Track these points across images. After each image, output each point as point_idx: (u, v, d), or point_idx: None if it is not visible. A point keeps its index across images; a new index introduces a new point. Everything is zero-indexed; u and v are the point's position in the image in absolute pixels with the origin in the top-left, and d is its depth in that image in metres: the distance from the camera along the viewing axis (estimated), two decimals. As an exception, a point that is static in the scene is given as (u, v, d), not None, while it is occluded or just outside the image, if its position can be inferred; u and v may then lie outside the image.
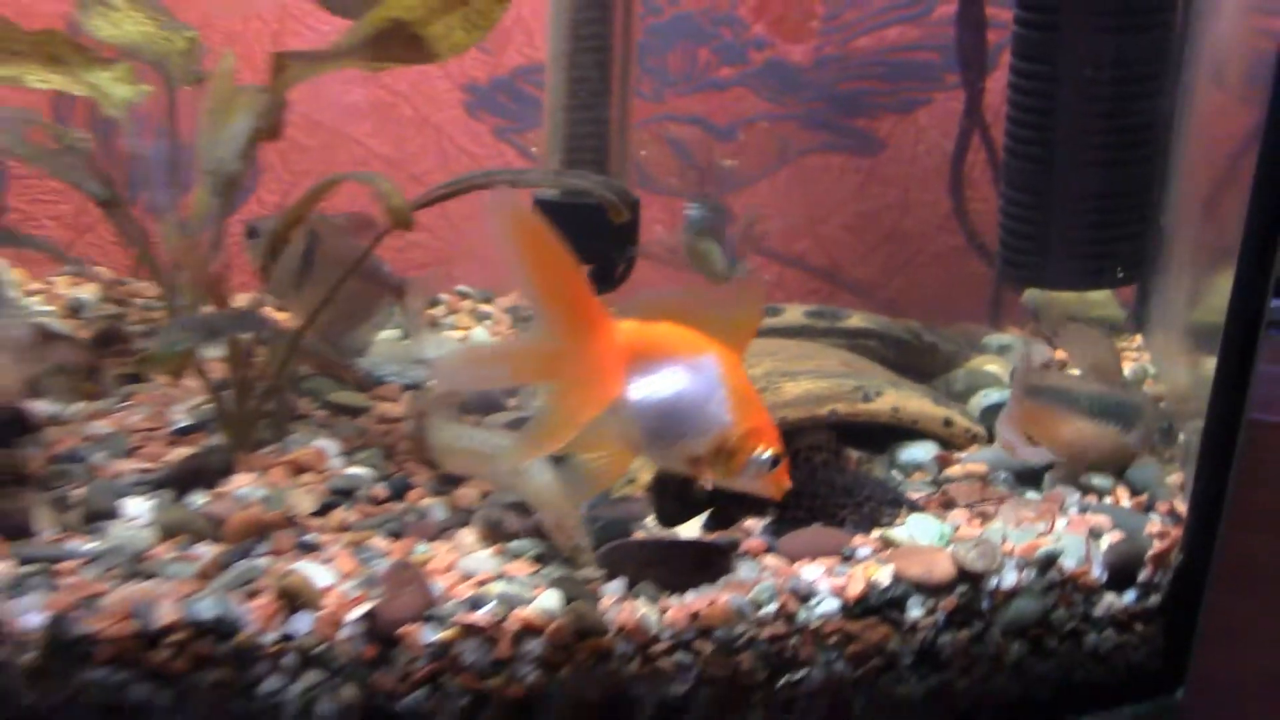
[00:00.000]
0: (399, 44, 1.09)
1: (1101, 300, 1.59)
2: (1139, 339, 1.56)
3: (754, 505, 1.10)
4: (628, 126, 1.54)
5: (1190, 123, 1.38)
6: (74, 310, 1.50)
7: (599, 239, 1.42)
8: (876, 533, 1.10)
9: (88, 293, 1.55)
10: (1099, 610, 1.09)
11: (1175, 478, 1.21)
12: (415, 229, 1.17)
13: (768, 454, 0.92)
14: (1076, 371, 1.32)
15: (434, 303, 1.65)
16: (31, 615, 0.93)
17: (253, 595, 0.96)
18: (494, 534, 1.08)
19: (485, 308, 1.67)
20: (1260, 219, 1.05)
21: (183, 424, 1.23)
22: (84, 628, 0.92)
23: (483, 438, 1.15)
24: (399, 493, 1.15)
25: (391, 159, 1.97)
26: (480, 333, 1.59)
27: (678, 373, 0.91)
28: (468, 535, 1.09)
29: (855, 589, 1.02)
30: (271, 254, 1.19)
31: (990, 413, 1.33)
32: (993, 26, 1.81)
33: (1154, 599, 1.12)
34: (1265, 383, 1.87)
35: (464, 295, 1.70)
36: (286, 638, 0.94)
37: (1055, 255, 1.31)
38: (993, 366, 1.46)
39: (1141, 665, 1.14)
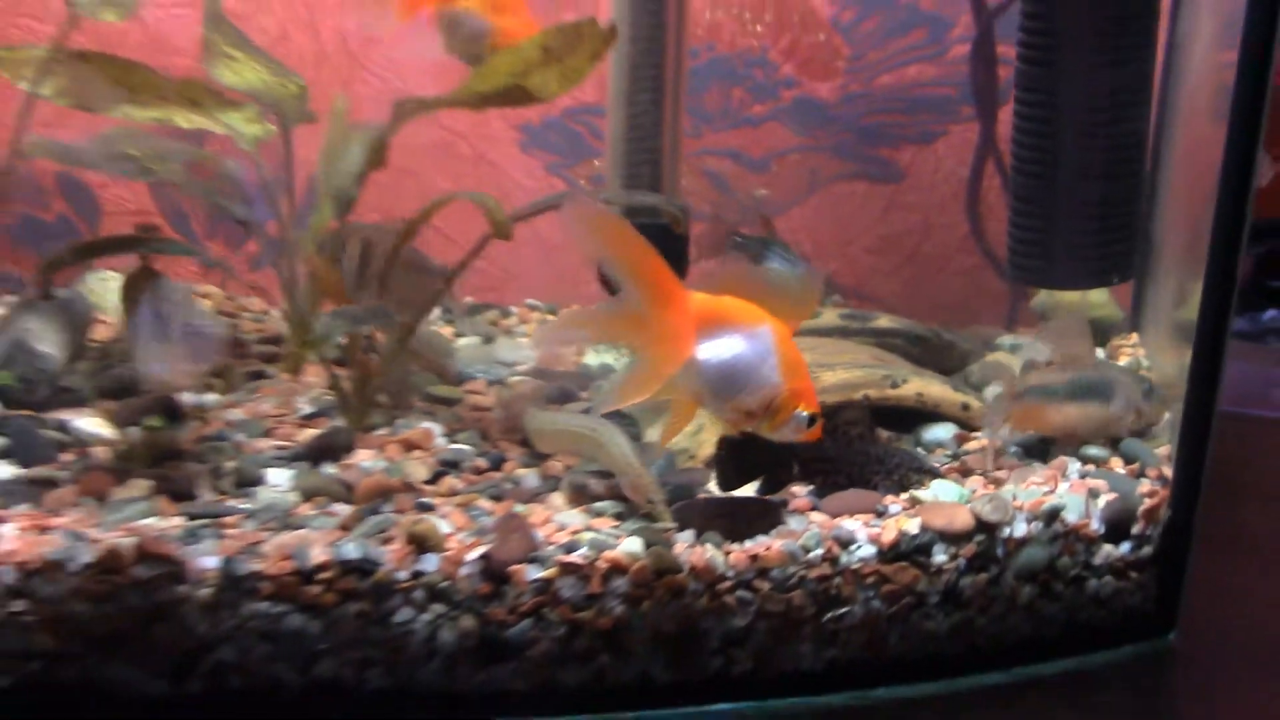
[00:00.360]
0: (504, 94, 1.29)
1: (1101, 302, 1.77)
2: (1135, 337, 1.74)
3: (801, 472, 1.29)
4: (679, 156, 1.74)
5: (1174, 142, 1.56)
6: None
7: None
8: (905, 495, 1.28)
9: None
10: (1098, 559, 1.27)
11: (1163, 449, 1.39)
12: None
13: (807, 413, 1.11)
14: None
15: (506, 314, 1.85)
16: (207, 559, 1.11)
17: (386, 541, 1.15)
18: (579, 497, 1.27)
19: (551, 318, 1.87)
20: (1224, 226, 1.24)
21: (307, 411, 1.43)
22: (250, 567, 1.11)
23: (566, 420, 1.34)
24: (496, 465, 1.34)
25: (451, 192, 2.15)
26: (552, 338, 1.78)
27: (738, 339, 1.10)
28: (557, 498, 1.28)
29: (888, 537, 1.20)
30: (333, 260, 1.38)
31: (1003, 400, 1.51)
32: (1003, 63, 1.99)
33: (1146, 550, 1.29)
34: (1258, 382, 2.06)
35: (533, 308, 1.90)
36: (417, 575, 1.13)
37: (1058, 259, 1.50)
38: (1005, 360, 1.64)
39: (1137, 609, 1.31)
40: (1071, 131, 1.44)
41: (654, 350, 1.09)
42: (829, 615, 1.19)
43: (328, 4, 2.09)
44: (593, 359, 1.66)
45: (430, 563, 1.13)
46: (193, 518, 1.19)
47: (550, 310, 1.90)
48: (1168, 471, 1.33)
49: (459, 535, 1.17)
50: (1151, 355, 1.65)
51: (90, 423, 1.35)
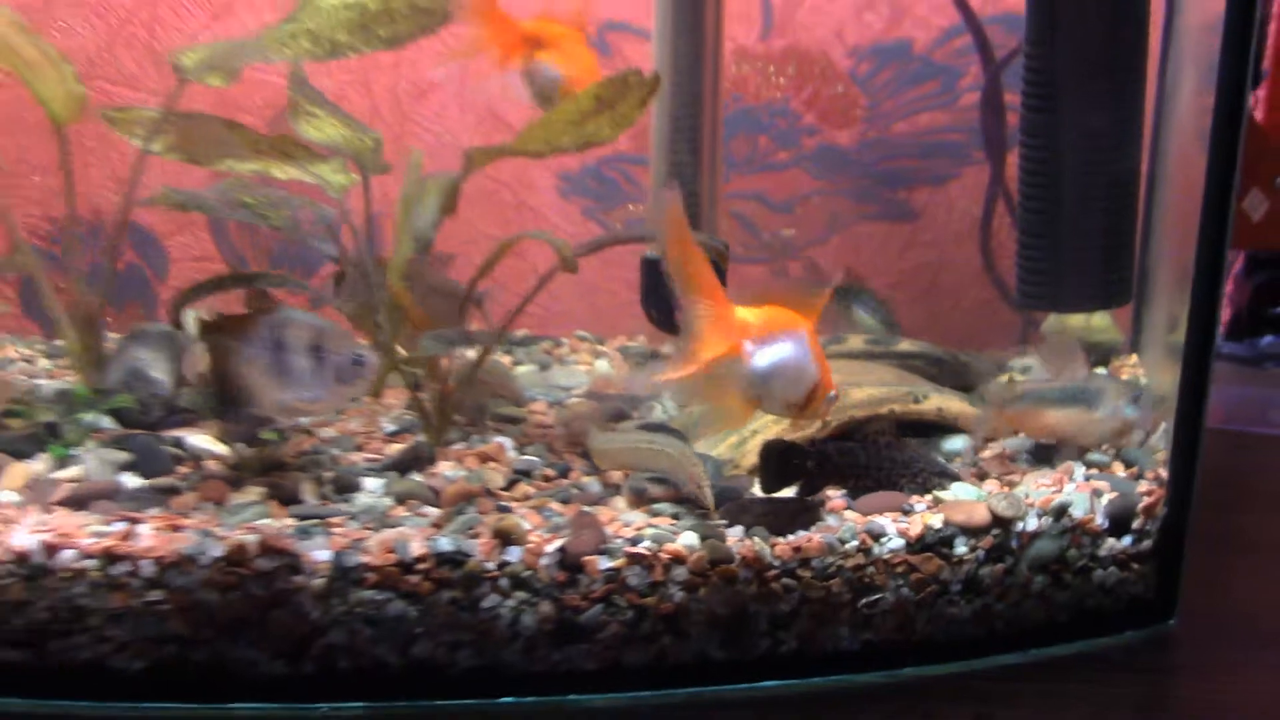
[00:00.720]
0: (561, 141, 1.46)
1: (1103, 326, 1.93)
2: (1135, 357, 1.90)
3: (834, 477, 1.45)
4: (717, 199, 1.90)
5: (1165, 179, 1.73)
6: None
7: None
8: (929, 496, 1.44)
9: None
10: (1103, 551, 1.42)
11: (1160, 455, 1.54)
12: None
13: (832, 393, 1.29)
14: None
15: (558, 344, 2.02)
16: (319, 552, 1.27)
17: (474, 536, 1.30)
18: (639, 500, 1.42)
19: (600, 348, 2.04)
20: (1208, 252, 1.39)
21: (390, 429, 1.59)
22: (358, 559, 1.27)
23: (625, 437, 1.50)
24: (563, 473, 1.50)
25: (496, 236, 2.30)
26: (602, 365, 1.95)
27: (787, 343, 1.27)
28: (619, 502, 1.43)
29: (915, 530, 1.35)
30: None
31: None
32: (1010, 110, 2.14)
33: (1146, 543, 1.44)
34: (1257, 403, 2.21)
35: (582, 339, 2.06)
36: (502, 565, 1.28)
37: (1062, 286, 1.66)
38: (1018, 379, 1.80)
39: (1139, 597, 1.46)
40: (1072, 171, 1.61)
41: (697, 337, 1.26)
42: (863, 601, 1.34)
43: (381, 63, 2.26)
44: (640, 383, 1.82)
45: (514, 554, 1.28)
46: (302, 519, 1.35)
47: (598, 341, 2.06)
48: (1164, 474, 1.48)
49: (536, 531, 1.33)
50: (1150, 373, 1.80)
51: (202, 439, 1.52)
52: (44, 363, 1.87)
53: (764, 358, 1.28)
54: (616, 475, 1.50)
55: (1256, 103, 2.17)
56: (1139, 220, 1.69)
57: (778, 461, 1.43)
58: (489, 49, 1.52)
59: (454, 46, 1.61)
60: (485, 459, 1.51)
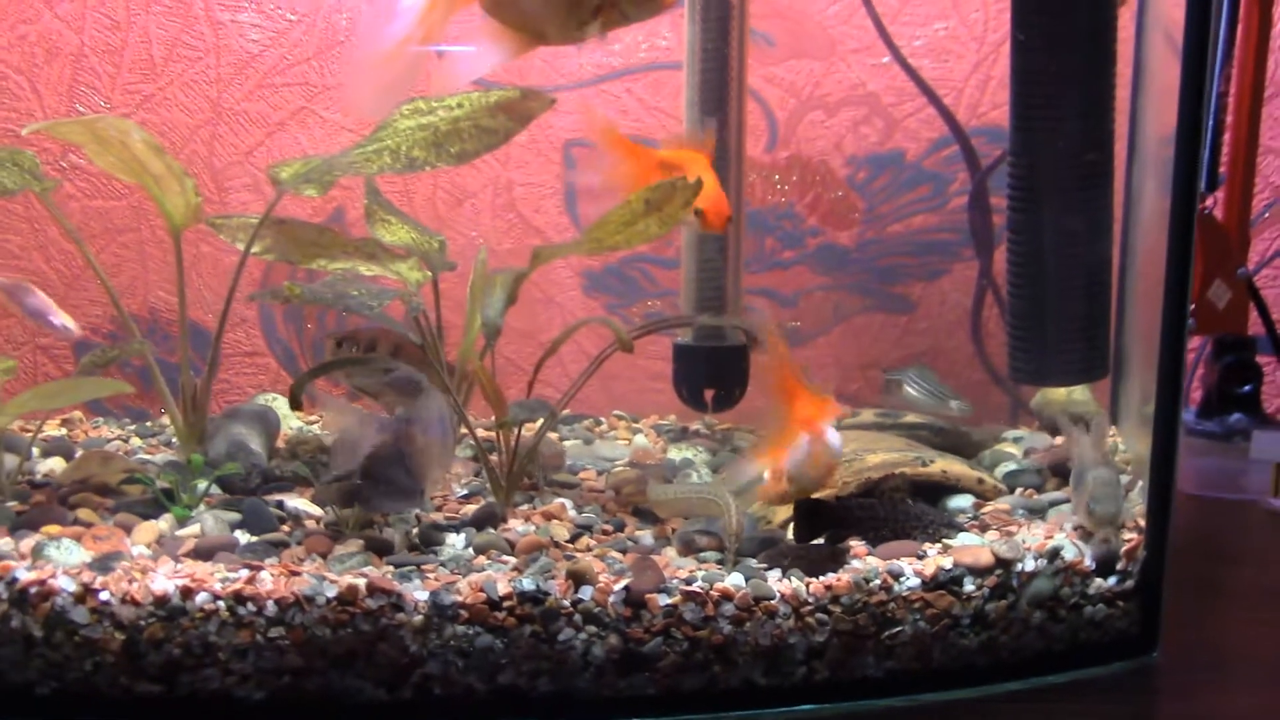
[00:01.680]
0: (615, 240, 1.70)
1: (1083, 399, 2.16)
2: (1114, 429, 2.13)
3: (857, 528, 1.66)
4: (739, 292, 2.14)
5: (1134, 269, 1.97)
6: (347, 433, 2.09)
7: (723, 373, 2.01)
8: (938, 544, 1.65)
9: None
10: (1092, 590, 1.62)
11: (1139, 508, 1.76)
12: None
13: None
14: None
15: (598, 422, 2.24)
16: (419, 592, 1.47)
17: (551, 578, 1.51)
18: (688, 549, 1.63)
19: (636, 425, 2.26)
20: (1169, 334, 1.62)
21: (462, 493, 1.81)
22: (452, 598, 1.47)
23: (681, 488, 1.71)
24: (619, 528, 1.71)
25: (524, 330, 2.50)
26: (640, 439, 2.17)
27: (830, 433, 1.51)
28: (670, 551, 1.64)
29: (929, 571, 1.56)
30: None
31: (1010, 477, 1.89)
32: (996, 212, 2.37)
33: (1129, 583, 1.65)
34: (1228, 472, 2.43)
35: (620, 417, 2.29)
36: (576, 603, 1.48)
37: (1047, 363, 1.89)
38: (1010, 448, 2.03)
39: (1126, 632, 1.66)
40: (1052, 263, 1.85)
41: (781, 434, 1.51)
42: (886, 633, 1.55)
43: (422, 174, 2.50)
44: (675, 454, 2.04)
45: (586, 593, 1.49)
46: (398, 566, 1.55)
47: (633, 419, 2.29)
48: (1142, 522, 1.70)
49: (603, 574, 1.53)
50: (1127, 442, 2.03)
51: (299, 502, 1.72)
52: (136, 441, 2.07)
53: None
54: (666, 530, 1.71)
55: (1217, 203, 2.42)
56: (1113, 305, 1.93)
57: (809, 516, 1.64)
58: (629, 178, 1.73)
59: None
60: (549, 517, 1.72)
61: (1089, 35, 1.80)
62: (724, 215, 1.69)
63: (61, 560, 1.50)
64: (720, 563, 1.59)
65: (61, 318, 1.71)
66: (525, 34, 1.27)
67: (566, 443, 2.09)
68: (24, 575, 1.44)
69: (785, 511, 1.73)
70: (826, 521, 1.65)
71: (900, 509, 1.68)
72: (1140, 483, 1.80)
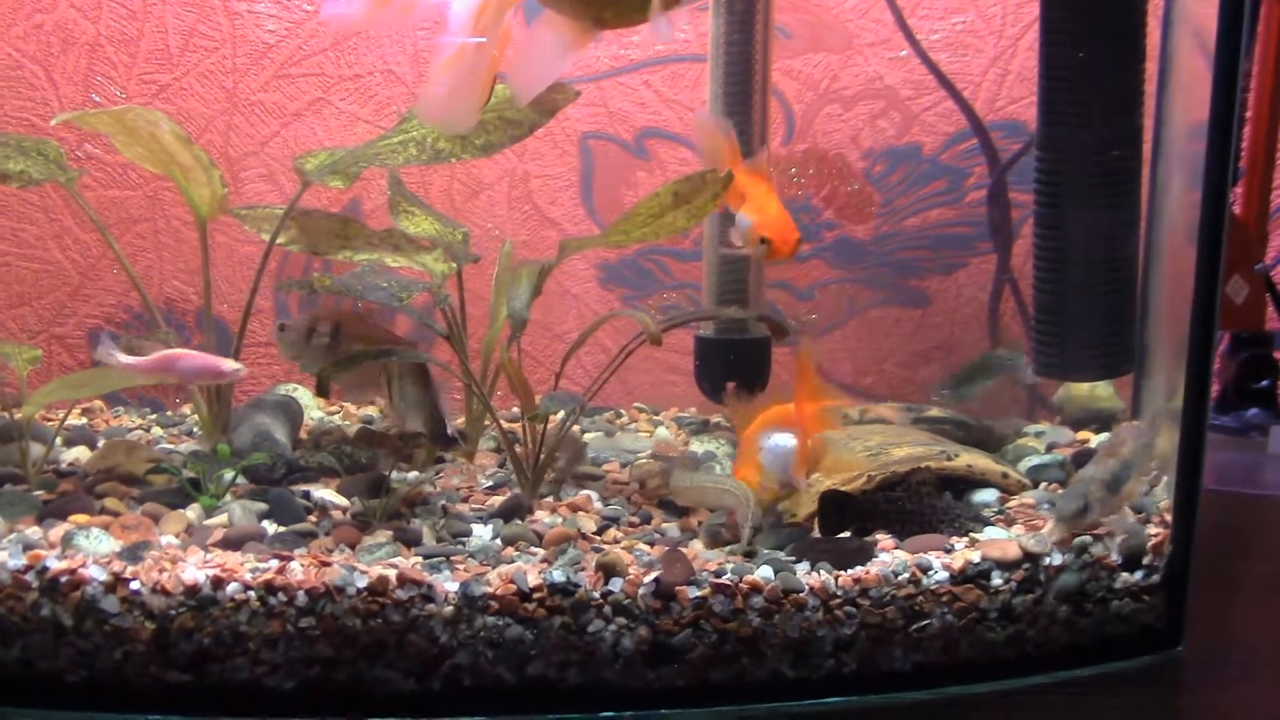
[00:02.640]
0: (642, 231, 1.70)
1: (1106, 395, 2.16)
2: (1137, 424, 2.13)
3: (883, 522, 1.66)
4: (761, 285, 2.14)
5: (1160, 264, 1.97)
6: (368, 423, 2.09)
7: (745, 364, 2.01)
8: (967, 537, 1.65)
9: (374, 410, 2.14)
10: (1118, 584, 1.63)
11: (1164, 503, 1.76)
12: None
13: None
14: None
15: (619, 414, 2.24)
16: (449, 583, 1.47)
17: (580, 570, 1.51)
18: (715, 541, 1.63)
19: (657, 418, 2.26)
20: (1199, 331, 1.62)
21: (488, 485, 1.80)
22: (483, 589, 1.47)
23: (704, 478, 1.71)
24: (645, 520, 1.71)
25: (540, 321, 2.50)
26: (663, 432, 2.17)
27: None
28: (697, 543, 1.64)
29: (957, 564, 1.56)
30: (306, 340, 1.78)
31: (1034, 472, 1.90)
32: (1014, 206, 2.38)
33: (1155, 578, 1.65)
34: (1246, 467, 2.43)
35: (640, 410, 2.29)
36: (606, 595, 1.48)
37: (1072, 358, 1.89)
38: (1032, 443, 2.03)
39: (1151, 626, 1.66)
40: (1079, 258, 1.85)
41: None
42: (914, 626, 1.55)
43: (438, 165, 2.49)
44: (697, 447, 2.04)
45: (616, 585, 1.49)
46: (427, 557, 1.55)
47: (654, 411, 2.29)
48: (1168, 518, 1.70)
49: (633, 566, 1.53)
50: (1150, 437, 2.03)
51: (325, 492, 1.72)
52: (157, 430, 2.07)
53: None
54: (692, 522, 1.71)
55: (1235, 198, 2.42)
56: (1137, 300, 1.94)
57: (835, 509, 1.64)
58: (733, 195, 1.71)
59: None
60: (575, 509, 1.72)
61: (1117, 30, 1.79)
62: (792, 242, 1.68)
63: (91, 549, 1.50)
64: (749, 555, 1.59)
65: (228, 363, 1.68)
66: (586, 21, 1.25)
67: (588, 435, 2.09)
68: (55, 564, 1.44)
69: (810, 505, 1.73)
70: (853, 515, 1.65)
71: (927, 503, 1.68)
72: (1165, 478, 1.80)
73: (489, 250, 2.19)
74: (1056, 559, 1.60)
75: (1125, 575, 1.63)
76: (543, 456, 1.79)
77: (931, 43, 2.38)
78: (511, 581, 1.47)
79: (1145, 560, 1.64)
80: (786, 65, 2.39)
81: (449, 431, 1.70)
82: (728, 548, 1.61)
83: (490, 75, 1.25)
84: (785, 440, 1.59)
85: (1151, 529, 1.69)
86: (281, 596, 1.45)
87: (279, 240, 1.83)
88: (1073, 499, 1.62)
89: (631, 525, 1.70)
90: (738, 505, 1.61)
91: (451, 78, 1.22)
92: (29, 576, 1.44)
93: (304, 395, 2.14)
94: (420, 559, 1.55)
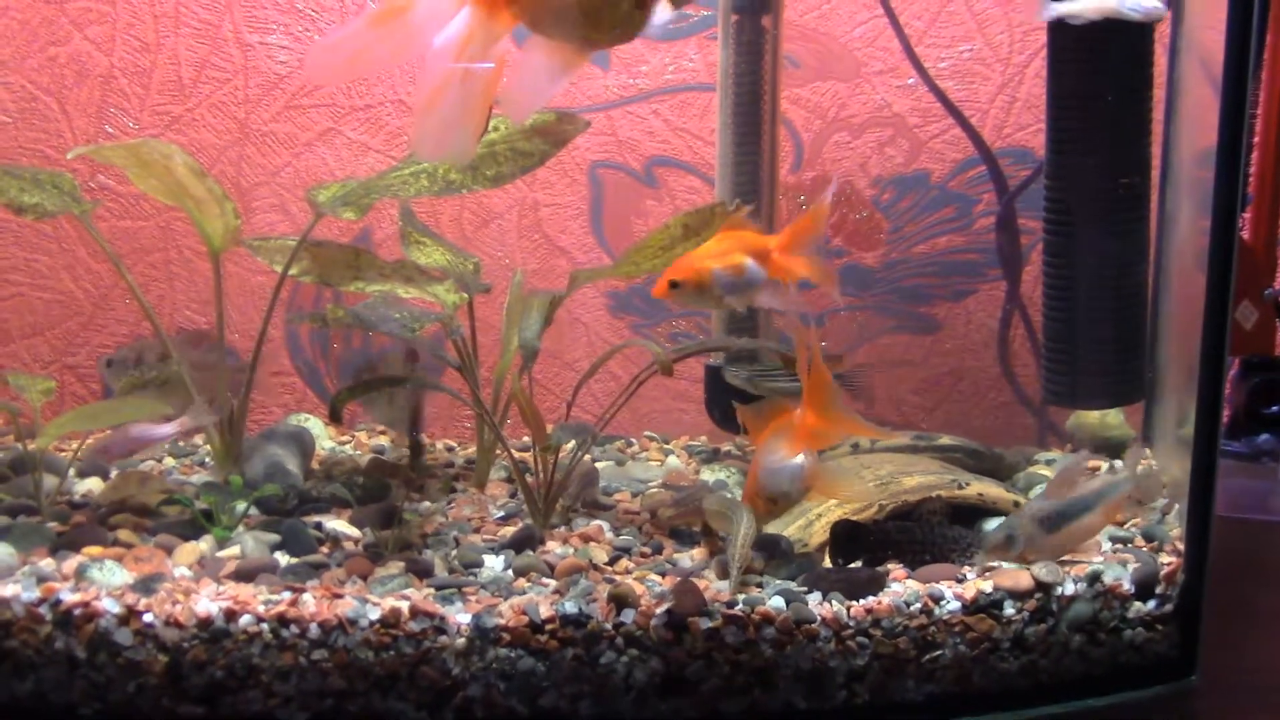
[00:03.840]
0: (652, 262, 1.70)
1: (1116, 423, 2.16)
2: (1148, 451, 2.12)
3: (895, 551, 1.66)
4: (771, 315, 2.14)
5: (1169, 291, 1.97)
6: (378, 452, 2.09)
7: (756, 395, 2.01)
8: (978, 568, 1.65)
9: (384, 440, 2.14)
10: (1131, 613, 1.62)
11: (1176, 532, 1.75)
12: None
13: None
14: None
15: (629, 443, 2.24)
16: (461, 615, 1.47)
17: (592, 601, 1.51)
18: (725, 571, 1.63)
19: (668, 447, 2.26)
20: (1209, 357, 1.62)
21: (499, 515, 1.81)
22: (493, 621, 1.47)
23: (723, 501, 1.71)
24: (657, 550, 1.71)
25: (549, 350, 2.51)
26: (674, 460, 2.17)
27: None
28: (709, 574, 1.64)
29: (969, 594, 1.56)
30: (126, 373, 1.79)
31: (1045, 500, 1.90)
32: (1023, 233, 2.38)
33: (1168, 607, 1.65)
34: (1257, 494, 2.43)
35: (651, 438, 2.29)
36: (618, 626, 1.48)
37: (1082, 385, 1.89)
38: (1044, 471, 2.03)
39: (1165, 655, 1.66)
40: (1089, 285, 1.86)
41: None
42: (926, 657, 1.55)
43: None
44: (707, 475, 2.04)
45: (628, 616, 1.49)
46: (439, 588, 1.55)
47: (665, 440, 2.29)
48: (1180, 546, 1.69)
49: (645, 597, 1.53)
50: (1161, 464, 2.03)
51: (337, 523, 1.73)
52: (170, 461, 2.08)
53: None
54: (703, 552, 1.71)
55: (1244, 224, 2.43)
56: (1147, 327, 1.94)
57: (846, 539, 1.64)
58: None
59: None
60: (587, 539, 1.72)
61: (1125, 60, 1.80)
62: (660, 286, 1.64)
63: (104, 582, 1.50)
64: (761, 585, 1.59)
65: (166, 428, 1.69)
66: (574, 42, 1.25)
67: (599, 464, 2.09)
68: (68, 597, 1.45)
69: (821, 535, 1.73)
70: (864, 545, 1.65)
71: (938, 532, 1.68)
72: (1177, 506, 1.80)
73: (499, 279, 2.20)
74: (1069, 588, 1.59)
75: (1138, 604, 1.63)
76: (555, 487, 1.79)
77: (939, 70, 2.40)
78: (524, 613, 1.47)
79: (1158, 589, 1.64)
80: (795, 93, 2.40)
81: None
82: (753, 578, 1.60)
83: (484, 106, 1.25)
84: (784, 455, 1.57)
85: (1164, 557, 1.68)
86: (294, 629, 1.45)
87: (291, 271, 1.84)
88: (999, 530, 1.62)
89: (643, 555, 1.70)
90: (730, 532, 1.61)
91: (438, 112, 1.22)
92: (43, 609, 1.44)
93: (316, 425, 2.14)
94: (432, 590, 1.55)
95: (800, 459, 1.58)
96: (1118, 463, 1.78)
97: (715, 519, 1.71)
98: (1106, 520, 1.69)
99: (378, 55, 1.25)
